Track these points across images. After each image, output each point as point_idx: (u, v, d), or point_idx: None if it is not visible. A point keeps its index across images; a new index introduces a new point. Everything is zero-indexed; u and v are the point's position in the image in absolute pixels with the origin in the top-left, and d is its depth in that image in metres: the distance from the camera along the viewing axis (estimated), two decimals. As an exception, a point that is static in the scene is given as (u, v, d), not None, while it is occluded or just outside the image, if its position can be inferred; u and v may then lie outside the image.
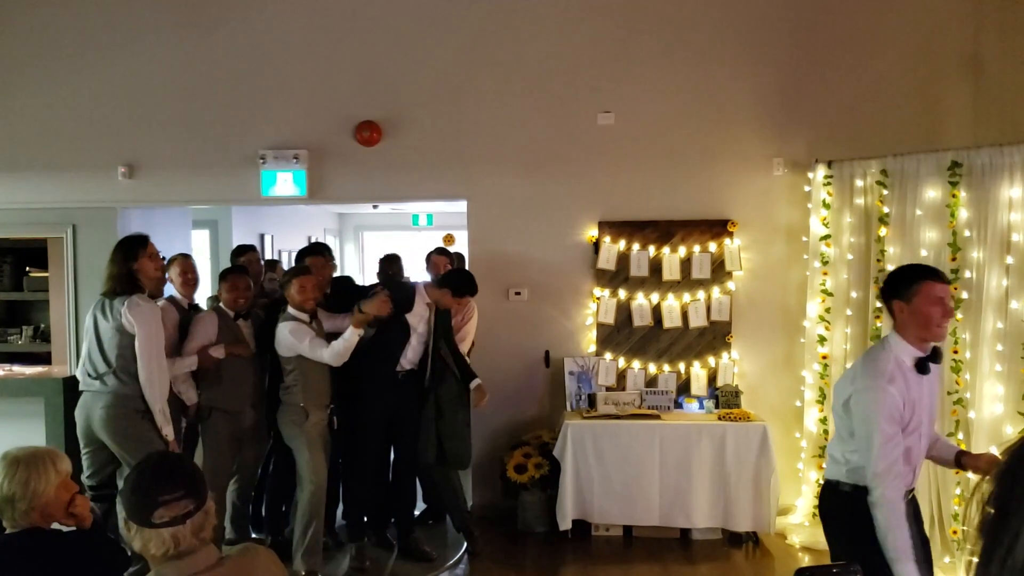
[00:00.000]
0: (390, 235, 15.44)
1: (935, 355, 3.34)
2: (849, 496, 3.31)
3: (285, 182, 6.74)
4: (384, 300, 5.34)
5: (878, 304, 6.01)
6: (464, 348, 6.21)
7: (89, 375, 5.11)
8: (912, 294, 3.26)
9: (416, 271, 8.71)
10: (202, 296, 6.34)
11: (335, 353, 5.31)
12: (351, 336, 5.28)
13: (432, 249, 7.33)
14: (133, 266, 5.03)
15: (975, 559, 0.91)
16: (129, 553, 3.18)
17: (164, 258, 5.50)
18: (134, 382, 4.99)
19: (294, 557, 5.36)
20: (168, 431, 5.07)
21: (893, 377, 3.21)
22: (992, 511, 0.87)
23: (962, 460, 3.47)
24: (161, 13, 6.87)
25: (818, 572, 1.56)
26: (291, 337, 5.33)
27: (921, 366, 3.28)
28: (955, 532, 5.35)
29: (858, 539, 3.21)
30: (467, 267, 6.87)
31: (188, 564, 2.10)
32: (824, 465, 3.55)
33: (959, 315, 5.36)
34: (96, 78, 6.90)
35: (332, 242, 15.42)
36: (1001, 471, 0.88)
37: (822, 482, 3.58)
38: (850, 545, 3.26)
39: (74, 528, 2.99)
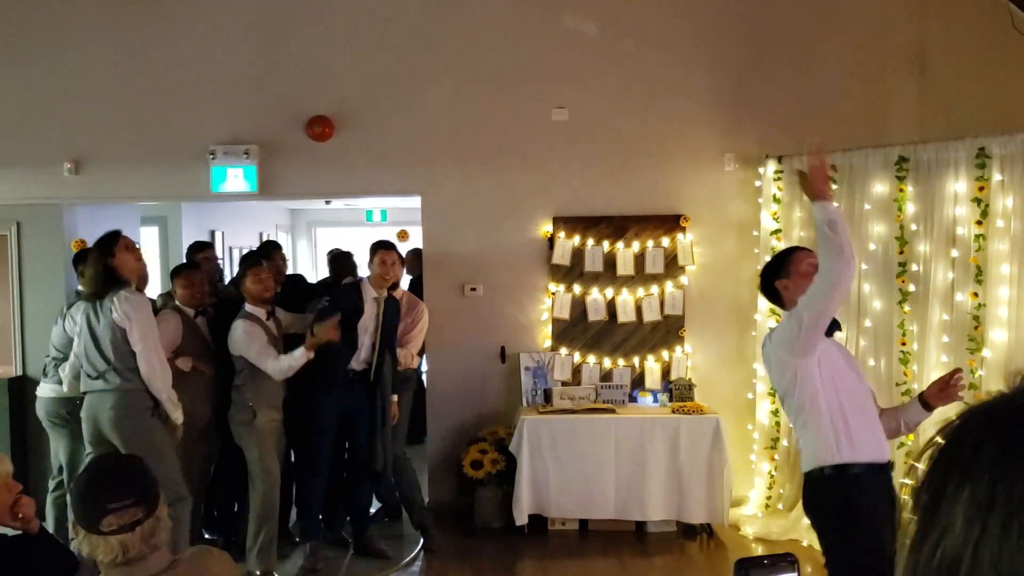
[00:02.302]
0: (344, 231, 15.31)
1: (835, 322, 3.55)
2: (828, 479, 3.38)
3: (236, 178, 6.64)
4: (334, 327, 5.27)
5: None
6: (413, 350, 6.14)
7: (89, 376, 4.98)
8: (790, 268, 3.60)
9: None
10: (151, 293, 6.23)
11: (279, 369, 5.26)
12: (300, 358, 5.24)
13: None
14: (111, 262, 4.93)
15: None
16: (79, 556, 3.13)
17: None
18: (136, 377, 4.91)
19: (248, 557, 5.31)
20: (177, 415, 5.02)
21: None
22: (926, 495, 0.84)
23: (927, 400, 3.59)
24: (108, 6, 6.72)
25: (757, 561, 1.58)
26: (244, 338, 5.27)
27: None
28: (904, 520, 5.44)
29: (849, 522, 3.28)
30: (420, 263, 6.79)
31: (138, 569, 2.07)
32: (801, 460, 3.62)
33: (907, 307, 5.46)
34: (41, 72, 6.73)
35: (284, 239, 15.26)
36: (936, 455, 0.86)
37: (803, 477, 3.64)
38: (843, 530, 3.33)
39: (20, 532, 2.93)
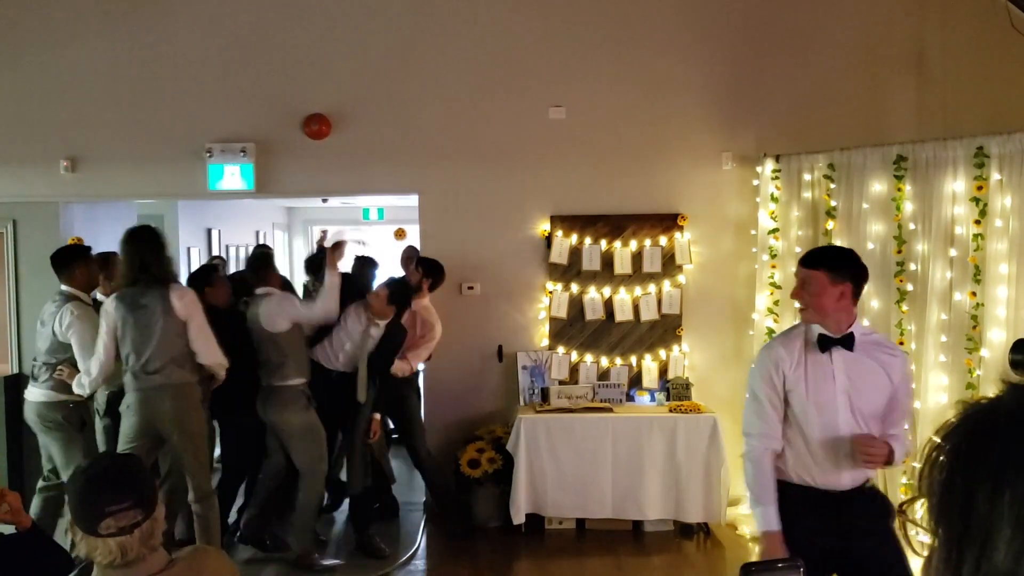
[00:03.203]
0: (340, 230, 15.28)
1: (830, 340, 3.40)
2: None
3: (232, 176, 6.63)
4: (384, 305, 5.69)
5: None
6: (412, 360, 6.21)
7: (146, 372, 4.97)
8: None
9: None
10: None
11: (326, 302, 5.52)
12: (331, 282, 5.51)
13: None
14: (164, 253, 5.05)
15: (933, 550, 0.83)
16: (73, 555, 3.11)
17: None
18: (191, 369, 5.04)
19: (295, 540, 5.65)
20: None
21: (787, 342, 3.48)
22: (949, 505, 0.79)
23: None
24: (105, 4, 6.70)
25: (764, 567, 1.57)
26: (279, 304, 5.50)
27: (821, 343, 3.38)
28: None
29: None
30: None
31: (135, 571, 2.05)
32: None
33: (905, 307, 5.46)
34: (37, 70, 6.71)
35: (281, 237, 15.24)
36: (947, 463, 0.81)
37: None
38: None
39: (12, 530, 2.90)
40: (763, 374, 3.49)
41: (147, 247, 4.97)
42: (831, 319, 3.37)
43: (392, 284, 5.93)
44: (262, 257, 6.38)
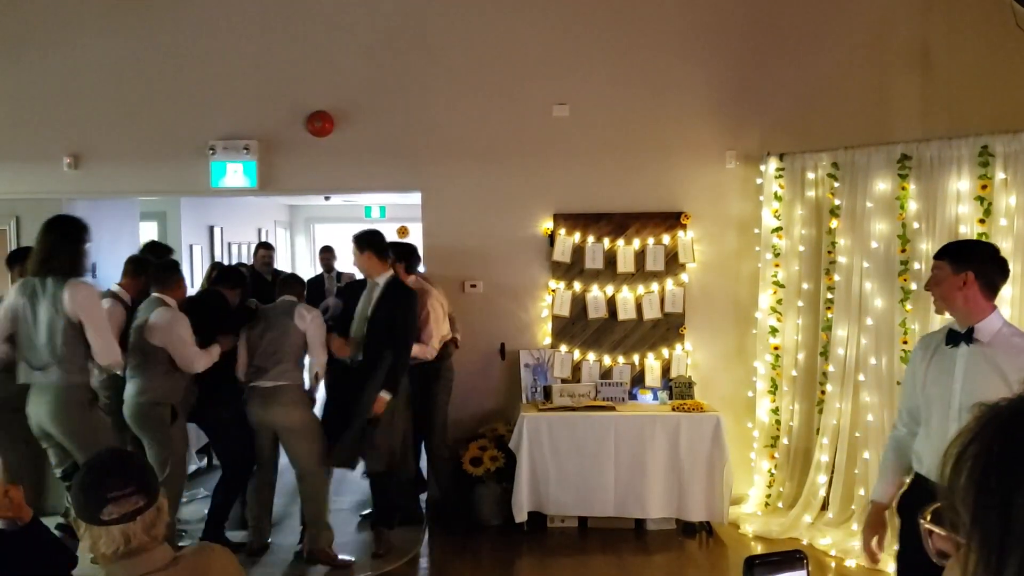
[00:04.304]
0: (342, 227, 15.28)
1: (957, 335, 3.31)
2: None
3: (235, 173, 6.62)
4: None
5: (829, 295, 6.10)
6: (425, 340, 6.00)
7: (32, 366, 4.88)
8: None
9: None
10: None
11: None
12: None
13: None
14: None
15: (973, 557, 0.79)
16: (76, 551, 3.10)
17: None
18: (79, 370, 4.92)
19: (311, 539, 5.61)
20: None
21: (933, 335, 3.48)
22: (984, 510, 0.76)
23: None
24: (108, 0, 6.70)
25: (767, 559, 1.58)
26: (320, 320, 5.61)
27: (948, 338, 3.32)
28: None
29: None
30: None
31: (140, 563, 2.05)
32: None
33: (908, 306, 5.45)
34: (41, 67, 6.71)
35: (283, 234, 15.26)
36: (978, 465, 0.78)
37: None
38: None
39: (12, 525, 2.90)
40: (909, 362, 3.53)
41: (58, 238, 4.81)
42: (959, 311, 3.27)
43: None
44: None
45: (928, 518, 0.87)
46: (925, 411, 3.35)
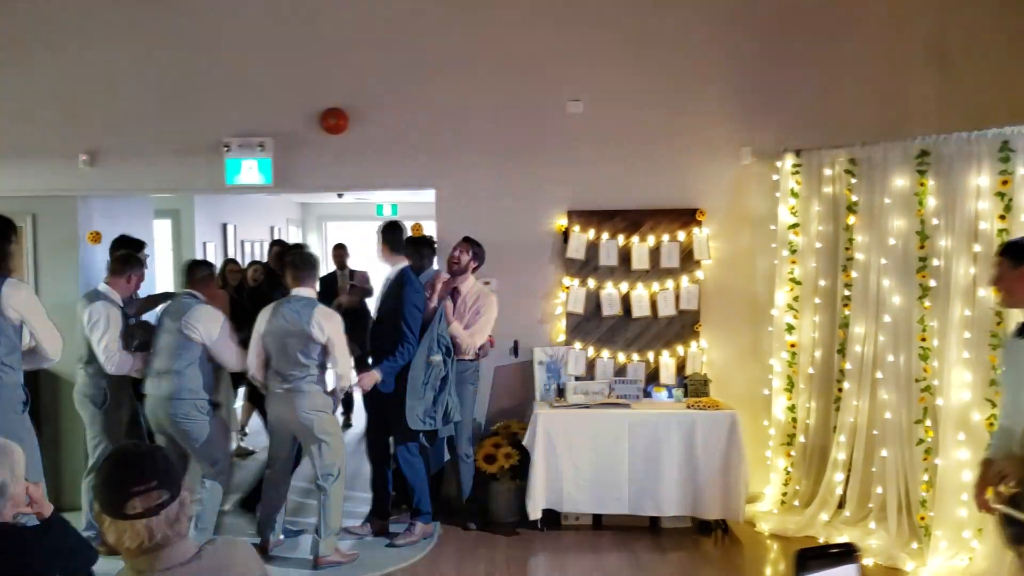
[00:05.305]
0: (354, 225, 15.29)
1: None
2: None
3: (250, 170, 6.62)
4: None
5: (846, 292, 6.06)
6: (475, 341, 6.21)
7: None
8: None
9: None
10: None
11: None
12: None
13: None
14: None
15: None
16: (97, 547, 3.10)
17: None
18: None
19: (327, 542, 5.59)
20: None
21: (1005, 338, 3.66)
22: None
23: None
24: (122, -3, 6.72)
25: (820, 552, 1.56)
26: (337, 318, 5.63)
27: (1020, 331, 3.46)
28: (922, 518, 5.40)
29: None
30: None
31: (164, 557, 2.04)
32: None
33: (927, 303, 5.41)
34: (57, 64, 6.72)
35: (295, 232, 15.28)
36: None
37: None
38: None
39: (35, 522, 2.91)
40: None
41: None
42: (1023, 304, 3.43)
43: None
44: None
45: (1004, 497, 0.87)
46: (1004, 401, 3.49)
